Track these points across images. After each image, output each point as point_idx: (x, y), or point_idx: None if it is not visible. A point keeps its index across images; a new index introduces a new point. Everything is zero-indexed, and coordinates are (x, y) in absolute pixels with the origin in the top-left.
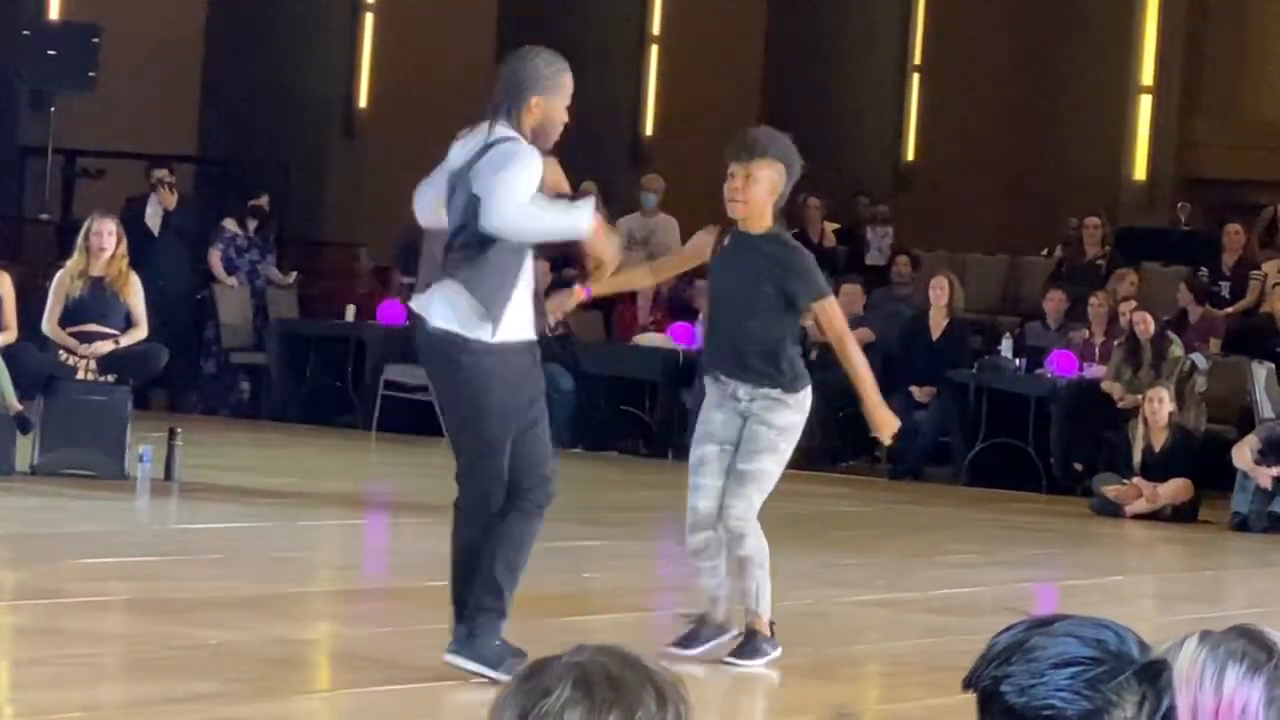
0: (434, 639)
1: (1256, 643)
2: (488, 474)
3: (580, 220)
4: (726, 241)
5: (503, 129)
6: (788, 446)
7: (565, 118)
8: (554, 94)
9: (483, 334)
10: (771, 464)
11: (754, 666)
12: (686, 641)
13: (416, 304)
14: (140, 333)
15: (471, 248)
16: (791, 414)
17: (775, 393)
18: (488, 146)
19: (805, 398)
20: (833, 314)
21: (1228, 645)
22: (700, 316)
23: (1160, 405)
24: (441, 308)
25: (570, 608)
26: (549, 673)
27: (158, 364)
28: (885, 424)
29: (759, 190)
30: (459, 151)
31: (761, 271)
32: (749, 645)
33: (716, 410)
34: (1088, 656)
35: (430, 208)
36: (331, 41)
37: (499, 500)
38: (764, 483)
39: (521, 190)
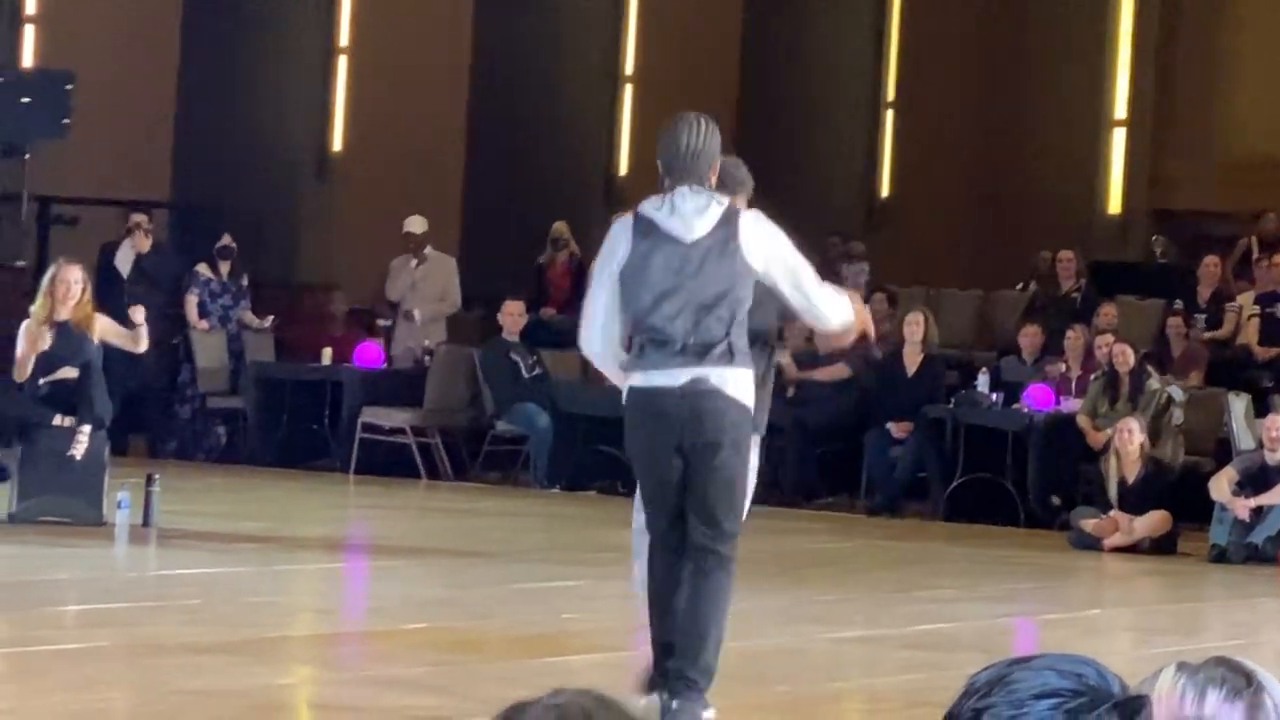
0: (412, 683)
1: (1235, 670)
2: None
3: (847, 316)
4: None
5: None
6: None
7: None
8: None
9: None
10: None
11: None
12: None
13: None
14: (142, 343)
15: (739, 324)
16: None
17: None
18: (730, 216)
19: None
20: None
21: (1207, 672)
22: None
23: (1130, 436)
24: (726, 377)
25: (549, 648)
26: (527, 716)
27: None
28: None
29: None
30: (673, 222)
31: None
32: None
33: None
34: (1068, 689)
35: (608, 346)
36: (305, 86)
37: None
38: None
39: (815, 274)
